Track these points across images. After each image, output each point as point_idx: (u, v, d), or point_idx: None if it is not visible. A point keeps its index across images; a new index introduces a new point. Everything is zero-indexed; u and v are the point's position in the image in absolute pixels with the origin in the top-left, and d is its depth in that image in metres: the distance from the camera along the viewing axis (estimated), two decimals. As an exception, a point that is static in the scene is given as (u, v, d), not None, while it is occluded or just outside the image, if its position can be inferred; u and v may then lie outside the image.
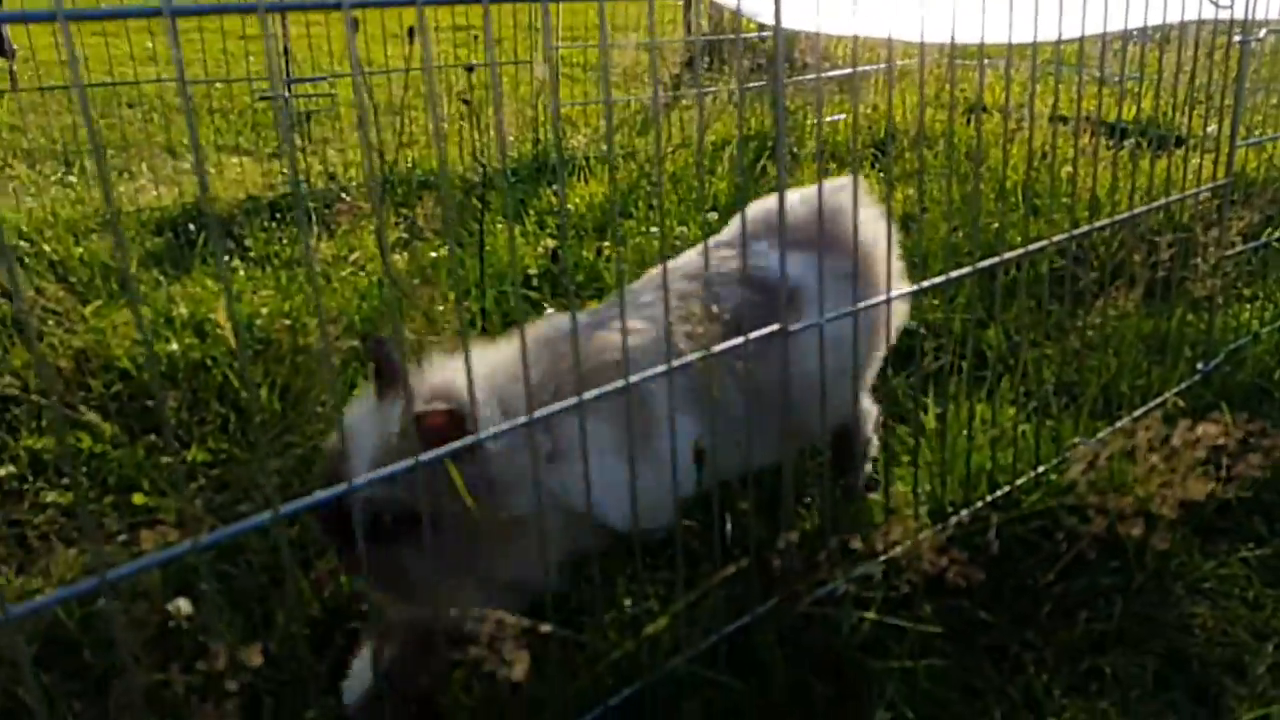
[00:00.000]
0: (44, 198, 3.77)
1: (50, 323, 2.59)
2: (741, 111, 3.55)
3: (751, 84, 4.33)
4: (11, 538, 1.90)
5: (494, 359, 1.48)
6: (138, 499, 1.95)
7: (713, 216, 3.13)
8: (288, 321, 2.58)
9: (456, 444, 1.18)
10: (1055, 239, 1.88)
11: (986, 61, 2.35)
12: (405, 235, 3.14)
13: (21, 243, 3.19)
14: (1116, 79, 3.00)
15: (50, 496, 1.98)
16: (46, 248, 3.12)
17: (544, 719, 1.38)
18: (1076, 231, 1.88)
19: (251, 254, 3.19)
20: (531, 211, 3.36)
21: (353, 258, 2.69)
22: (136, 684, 1.12)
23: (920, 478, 1.78)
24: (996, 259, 1.75)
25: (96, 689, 1.54)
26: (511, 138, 4.09)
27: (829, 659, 1.58)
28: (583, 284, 2.84)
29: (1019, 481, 1.84)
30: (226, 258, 3.14)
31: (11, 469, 2.08)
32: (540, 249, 2.98)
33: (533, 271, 2.84)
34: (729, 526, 1.71)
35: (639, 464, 1.32)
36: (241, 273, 3.04)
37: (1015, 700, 1.55)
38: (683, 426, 1.42)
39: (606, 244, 2.92)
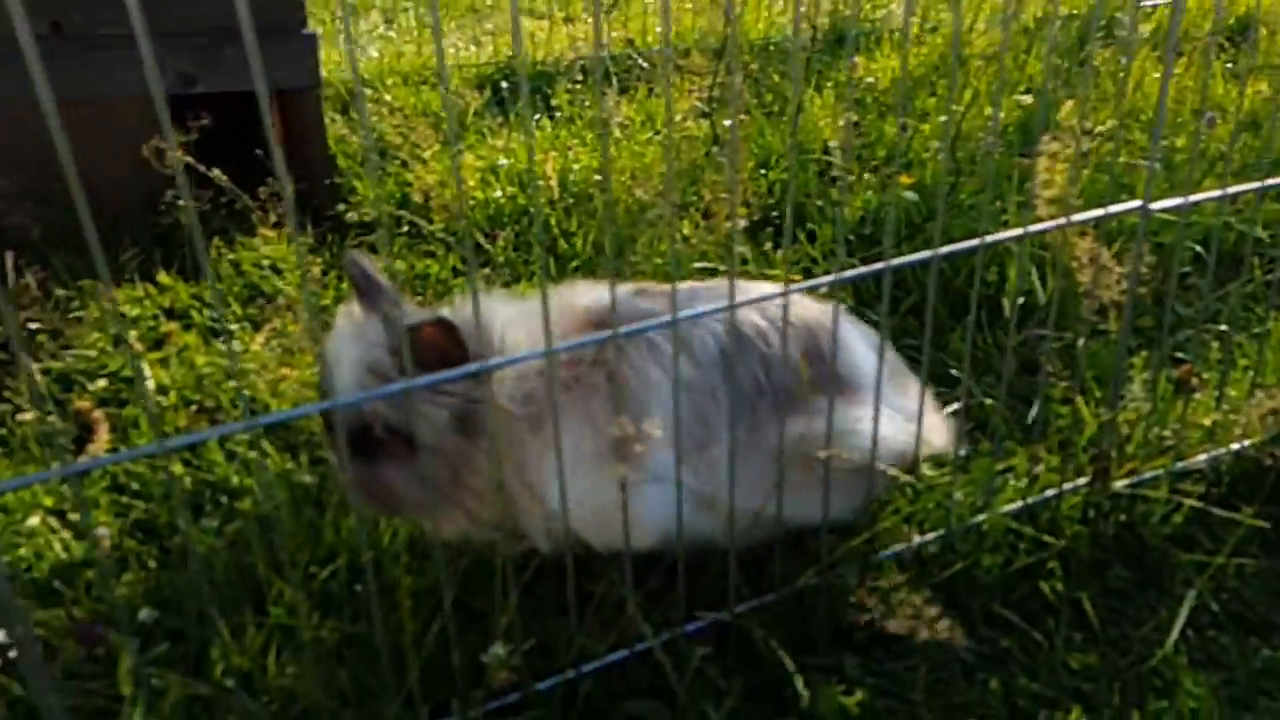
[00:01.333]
0: (370, 51, 4.15)
1: (397, 162, 2.91)
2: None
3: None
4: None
5: (514, 311, 1.43)
6: (481, 320, 2.20)
7: (1027, 99, 2.99)
8: (598, 177, 2.76)
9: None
10: None
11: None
12: (701, 105, 3.22)
13: (367, 89, 3.55)
14: None
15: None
16: (387, 96, 3.46)
17: (848, 547, 1.50)
18: None
19: (559, 114, 3.39)
20: (830, 83, 3.33)
21: (680, 116, 2.81)
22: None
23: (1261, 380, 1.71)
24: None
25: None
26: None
27: (1133, 544, 1.59)
28: (884, 159, 2.83)
29: (1367, 401, 1.72)
30: (536, 116, 3.35)
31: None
32: (839, 122, 2.97)
33: (833, 144, 2.85)
34: (1036, 407, 1.73)
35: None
36: (549, 130, 3.25)
37: (1333, 614, 1.51)
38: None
39: (908, 119, 2.87)
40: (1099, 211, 1.33)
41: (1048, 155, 1.26)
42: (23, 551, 1.72)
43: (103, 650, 1.53)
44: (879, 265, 1.30)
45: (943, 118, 2.87)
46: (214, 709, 1.36)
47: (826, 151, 2.71)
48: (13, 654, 1.51)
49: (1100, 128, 2.50)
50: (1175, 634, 1.43)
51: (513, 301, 1.50)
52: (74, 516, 1.79)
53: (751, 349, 1.44)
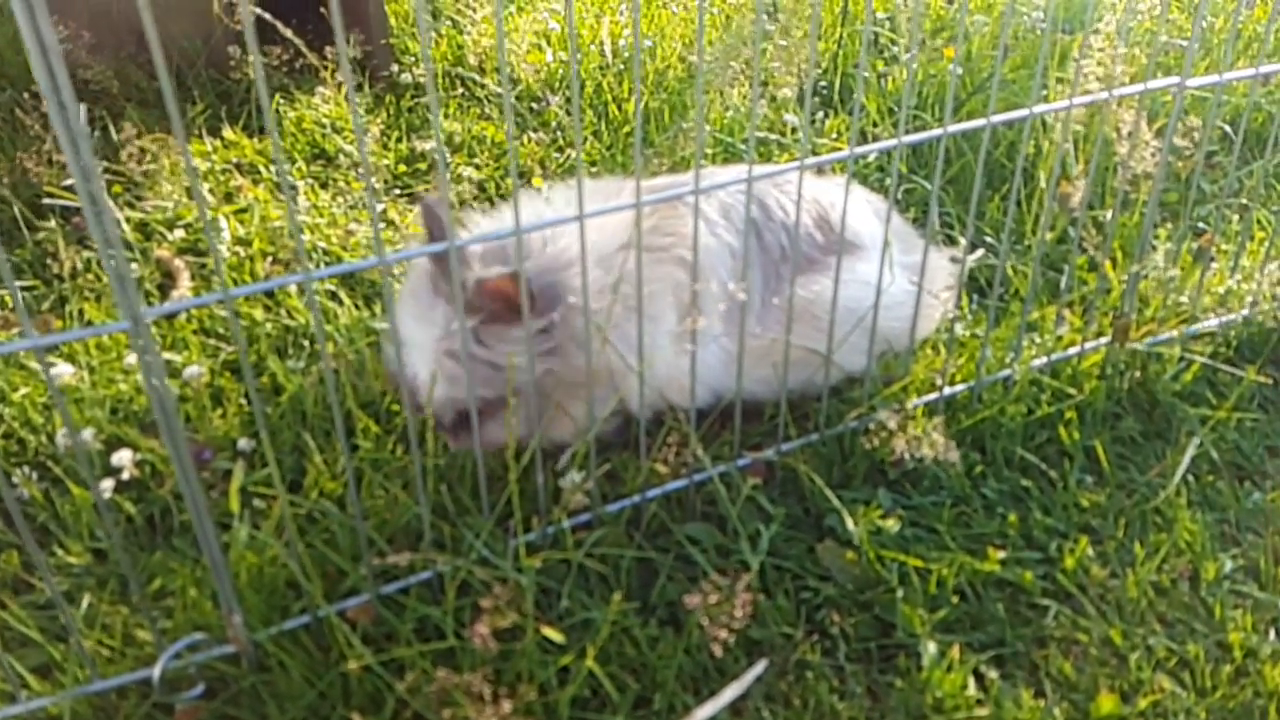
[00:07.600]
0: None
1: (450, 24, 2.95)
2: None
3: None
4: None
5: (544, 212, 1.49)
6: (536, 182, 2.31)
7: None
8: (649, 44, 2.81)
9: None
10: None
11: None
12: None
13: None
14: None
15: (467, 171, 2.38)
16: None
17: (885, 394, 1.66)
18: None
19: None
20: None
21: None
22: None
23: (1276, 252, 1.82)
24: None
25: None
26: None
27: (1145, 399, 1.75)
28: (931, 33, 2.85)
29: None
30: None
31: (430, 145, 2.49)
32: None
33: (880, 16, 2.87)
34: (1066, 275, 1.85)
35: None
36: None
37: (1324, 464, 1.67)
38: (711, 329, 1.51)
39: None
40: (1139, 86, 1.42)
41: (1093, 32, 1.34)
42: (123, 387, 1.88)
43: (208, 473, 1.70)
44: (937, 131, 1.40)
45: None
46: (313, 526, 1.53)
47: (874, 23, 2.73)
48: (124, 476, 1.71)
49: (1141, 7, 2.54)
50: (1177, 479, 1.60)
51: (560, 194, 1.56)
52: (168, 355, 1.95)
53: (775, 218, 1.60)
